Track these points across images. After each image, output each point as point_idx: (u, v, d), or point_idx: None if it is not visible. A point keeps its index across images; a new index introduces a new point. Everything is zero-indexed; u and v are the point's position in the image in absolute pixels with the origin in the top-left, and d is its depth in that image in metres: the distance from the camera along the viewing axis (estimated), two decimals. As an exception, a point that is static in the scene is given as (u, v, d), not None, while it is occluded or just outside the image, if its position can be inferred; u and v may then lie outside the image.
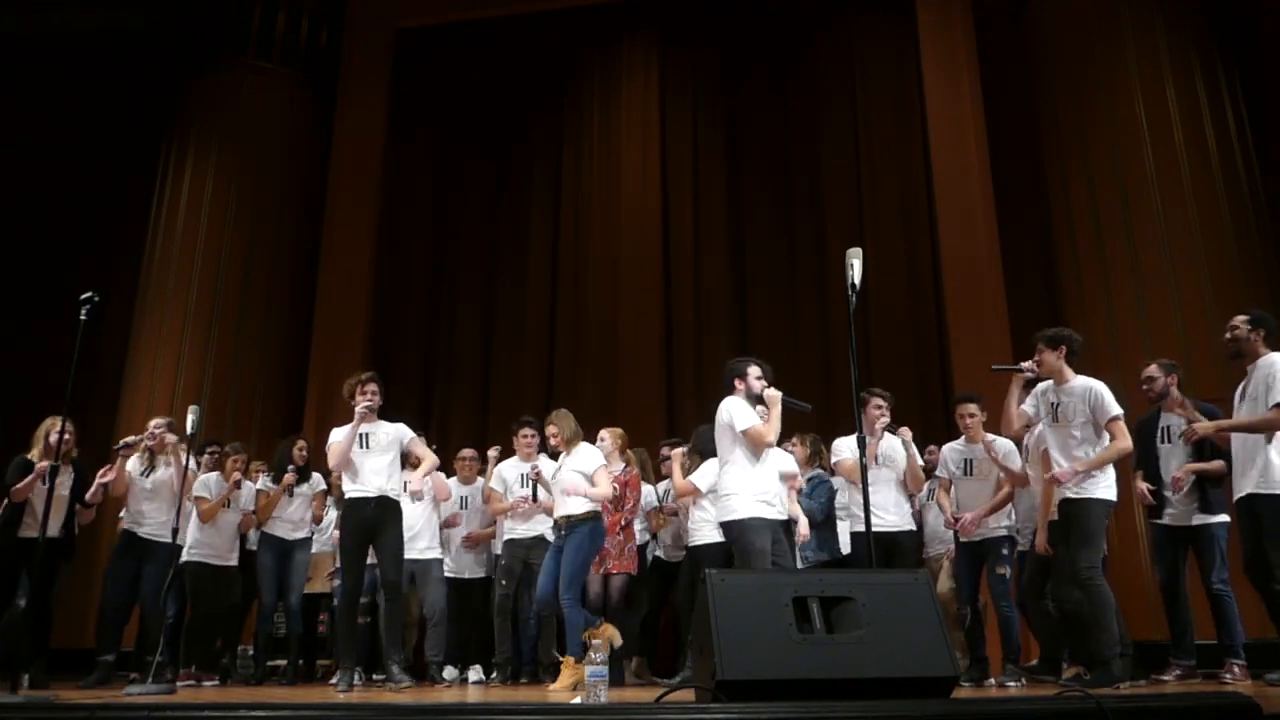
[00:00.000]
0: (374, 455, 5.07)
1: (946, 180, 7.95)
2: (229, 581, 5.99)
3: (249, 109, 9.09)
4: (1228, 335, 4.48)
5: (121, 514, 6.01)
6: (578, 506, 4.96)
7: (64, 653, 6.55)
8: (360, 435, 5.06)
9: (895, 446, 5.35)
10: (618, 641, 4.84)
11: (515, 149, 9.41)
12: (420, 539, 5.76)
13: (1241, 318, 4.45)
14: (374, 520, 5.00)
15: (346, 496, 5.07)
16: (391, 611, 5.13)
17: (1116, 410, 4.33)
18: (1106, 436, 4.36)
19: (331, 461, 5.09)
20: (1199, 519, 4.65)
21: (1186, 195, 6.69)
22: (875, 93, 8.65)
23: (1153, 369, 4.90)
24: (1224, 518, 4.65)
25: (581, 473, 5.02)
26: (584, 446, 5.15)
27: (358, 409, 5.05)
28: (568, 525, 4.98)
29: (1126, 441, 4.36)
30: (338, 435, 5.11)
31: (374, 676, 6.02)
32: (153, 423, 5.77)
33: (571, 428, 5.16)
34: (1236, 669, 4.42)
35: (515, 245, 9.16)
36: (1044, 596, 4.90)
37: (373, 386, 5.13)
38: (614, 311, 8.60)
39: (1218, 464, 4.63)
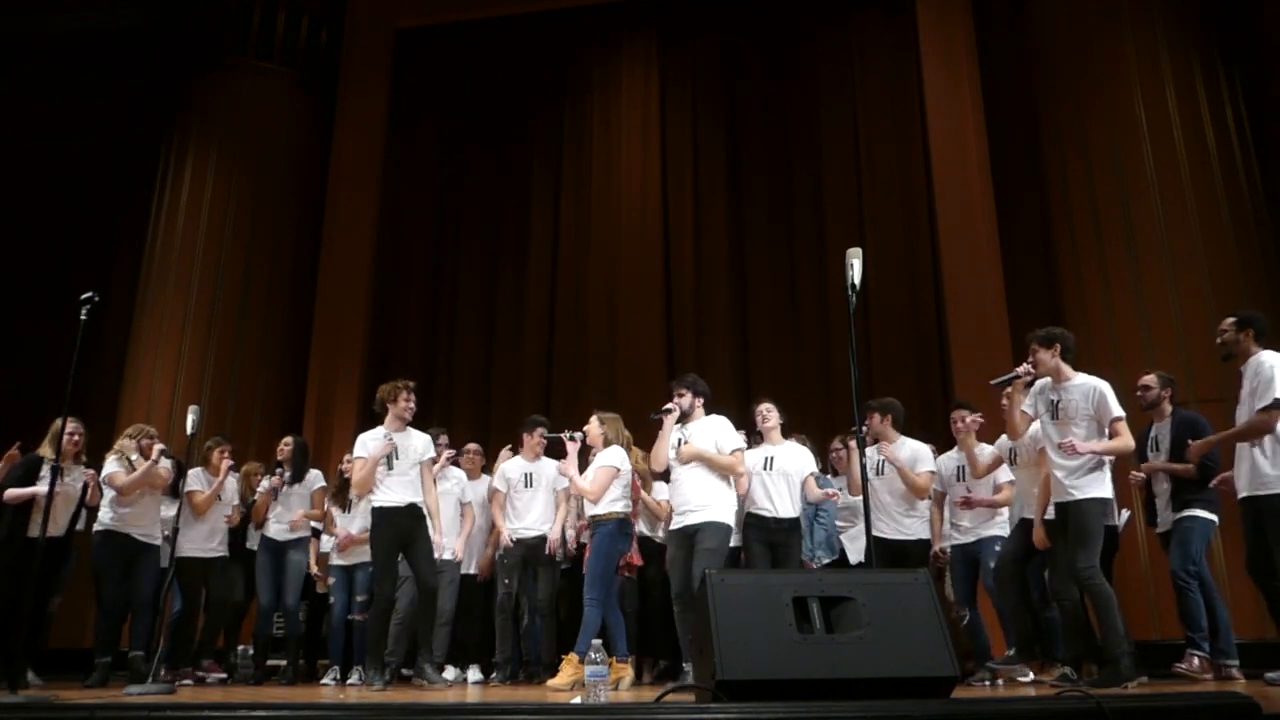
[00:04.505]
0: (404, 464, 5.09)
1: (946, 180, 7.95)
2: (225, 572, 6.01)
3: (249, 109, 9.09)
4: (1218, 340, 4.51)
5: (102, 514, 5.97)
6: (600, 507, 4.98)
7: (64, 652, 6.55)
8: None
9: (897, 457, 5.32)
10: (626, 682, 4.86)
11: (515, 149, 9.41)
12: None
13: (1229, 320, 4.47)
14: (407, 530, 5.02)
15: (378, 506, 5.04)
16: (426, 615, 5.17)
17: (1119, 411, 4.34)
18: (1108, 435, 4.37)
19: (360, 480, 5.07)
20: (1174, 517, 4.70)
21: (1186, 195, 6.69)
22: (875, 92, 8.65)
23: (1149, 378, 4.92)
24: (1199, 513, 4.63)
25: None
26: (610, 449, 5.15)
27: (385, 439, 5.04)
28: (592, 525, 5.04)
29: (1130, 440, 4.37)
30: (368, 450, 5.07)
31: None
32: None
33: (615, 431, 5.20)
34: (1196, 660, 4.45)
35: (515, 245, 9.16)
36: (1023, 587, 4.87)
37: (411, 396, 5.19)
38: (614, 310, 8.61)
39: (1183, 467, 4.64)
